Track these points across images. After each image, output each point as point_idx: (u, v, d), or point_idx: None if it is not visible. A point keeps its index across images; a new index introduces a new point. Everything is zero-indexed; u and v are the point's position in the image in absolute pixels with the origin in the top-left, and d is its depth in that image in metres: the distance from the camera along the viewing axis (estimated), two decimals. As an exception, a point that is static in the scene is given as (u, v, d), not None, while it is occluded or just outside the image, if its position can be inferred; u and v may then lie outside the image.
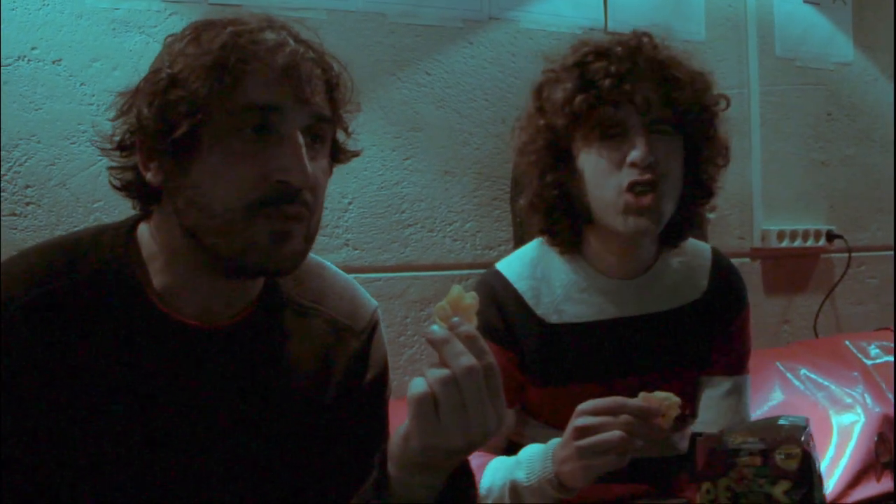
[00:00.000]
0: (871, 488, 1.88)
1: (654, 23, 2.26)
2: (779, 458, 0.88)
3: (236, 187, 0.86)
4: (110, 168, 0.95)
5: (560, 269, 1.32)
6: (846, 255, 2.62)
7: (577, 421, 1.04)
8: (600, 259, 1.30)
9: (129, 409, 0.90)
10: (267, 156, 0.86)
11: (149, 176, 0.90)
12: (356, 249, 1.93)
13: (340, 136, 1.01)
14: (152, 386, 0.91)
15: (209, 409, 0.94)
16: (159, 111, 0.86)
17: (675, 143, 1.23)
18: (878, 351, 2.22)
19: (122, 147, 0.93)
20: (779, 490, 0.87)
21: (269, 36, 0.89)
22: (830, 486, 1.85)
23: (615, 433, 1.00)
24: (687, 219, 1.30)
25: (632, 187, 1.18)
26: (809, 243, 2.57)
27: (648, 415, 1.01)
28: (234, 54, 0.86)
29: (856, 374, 2.12)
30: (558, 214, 1.28)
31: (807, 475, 0.88)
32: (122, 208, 1.71)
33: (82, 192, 1.69)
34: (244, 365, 0.97)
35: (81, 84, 1.70)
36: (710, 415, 1.37)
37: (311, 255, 1.10)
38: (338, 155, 1.02)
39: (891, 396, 2.06)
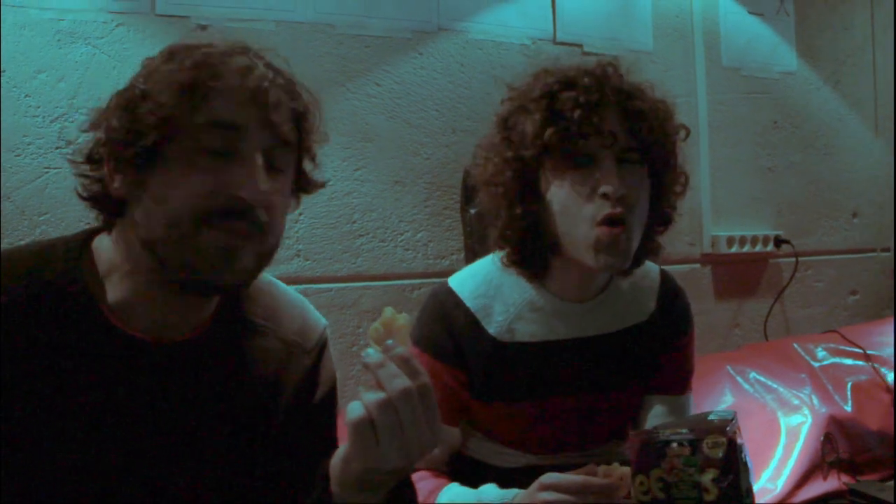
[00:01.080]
0: (818, 487, 1.91)
1: (603, 34, 2.33)
2: (706, 447, 0.92)
3: (189, 199, 0.86)
4: (79, 177, 0.96)
5: (514, 288, 1.30)
6: (793, 259, 2.67)
7: (541, 495, 1.05)
8: (558, 283, 1.29)
9: (79, 423, 0.89)
10: (223, 172, 0.87)
11: (114, 187, 0.91)
12: (307, 260, 1.92)
13: (308, 166, 1.02)
14: (102, 400, 0.90)
15: (159, 424, 0.93)
16: (128, 123, 0.88)
17: (642, 174, 1.22)
18: (824, 353, 2.26)
19: (90, 159, 0.94)
20: (707, 478, 0.91)
21: (240, 60, 0.91)
22: (779, 486, 1.88)
23: None
24: (646, 247, 1.29)
25: (604, 221, 1.16)
26: (758, 248, 2.62)
27: (612, 493, 1.02)
28: (204, 73, 0.88)
29: (803, 375, 2.16)
30: (529, 246, 1.25)
31: (733, 462, 0.91)
32: (68, 221, 1.71)
33: (28, 205, 1.67)
34: (196, 381, 0.96)
35: (26, 95, 1.68)
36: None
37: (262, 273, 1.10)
38: (304, 185, 1.03)
39: (837, 398, 2.11)
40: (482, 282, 1.31)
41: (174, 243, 0.87)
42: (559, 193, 1.21)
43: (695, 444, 0.92)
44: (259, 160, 0.89)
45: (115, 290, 0.93)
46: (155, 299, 0.93)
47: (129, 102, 0.89)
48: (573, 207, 1.19)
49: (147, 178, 0.88)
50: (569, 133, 1.18)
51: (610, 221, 1.16)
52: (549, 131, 1.18)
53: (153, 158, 0.88)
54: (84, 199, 0.95)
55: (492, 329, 1.27)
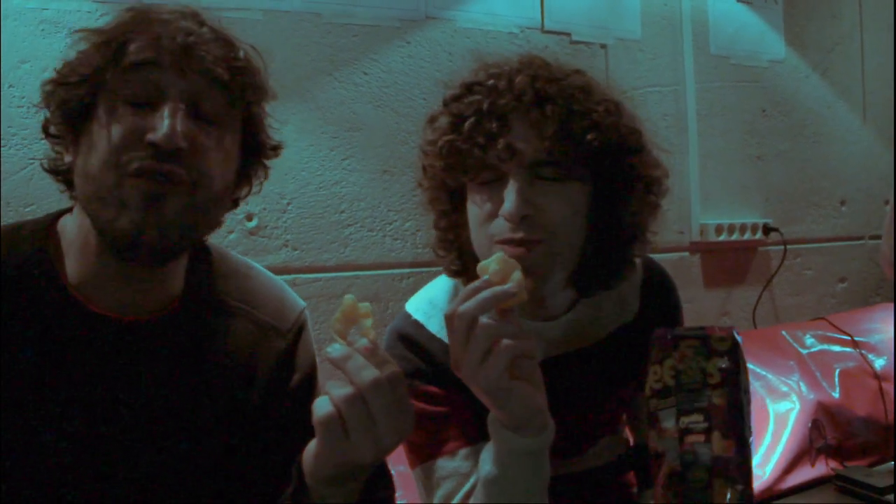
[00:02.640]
0: (806, 473, 1.93)
1: (591, 22, 2.33)
2: (713, 341, 1.03)
3: (111, 150, 0.86)
4: (48, 158, 0.98)
5: None
6: (782, 247, 2.68)
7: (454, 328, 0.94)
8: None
9: (47, 401, 0.89)
10: (143, 119, 0.88)
11: (66, 157, 0.93)
12: (296, 250, 1.91)
13: (256, 127, 1.01)
14: (70, 377, 0.90)
15: (128, 402, 0.93)
16: (62, 90, 0.90)
17: (568, 190, 1.06)
18: (813, 340, 2.28)
19: (47, 133, 0.96)
20: (712, 365, 1.02)
21: (167, 16, 0.92)
22: (767, 472, 1.89)
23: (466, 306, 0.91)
24: (605, 266, 1.15)
25: (504, 242, 1.04)
26: (747, 237, 2.62)
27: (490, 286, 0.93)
28: (127, 27, 0.90)
29: (792, 363, 2.17)
30: (466, 256, 1.15)
31: (735, 354, 1.02)
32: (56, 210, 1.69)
33: (13, 196, 1.66)
34: (164, 360, 0.96)
35: (10, 86, 1.66)
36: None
37: (239, 255, 1.10)
38: (258, 147, 1.02)
39: (825, 385, 2.12)
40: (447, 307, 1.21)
41: (98, 196, 0.87)
42: (471, 209, 1.10)
43: (705, 339, 1.03)
44: (176, 106, 0.88)
45: (76, 267, 0.93)
46: (111, 273, 0.93)
47: (61, 74, 0.91)
48: (477, 226, 1.09)
49: (81, 137, 0.90)
50: (466, 145, 1.06)
51: (510, 243, 1.04)
52: (443, 140, 1.08)
53: (85, 119, 0.89)
54: (46, 170, 0.98)
55: None
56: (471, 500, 1.08)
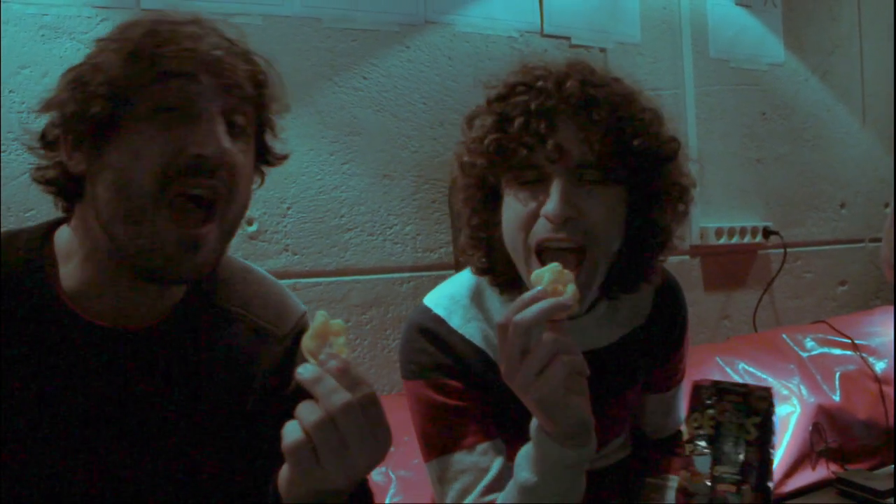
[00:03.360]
0: (807, 476, 1.93)
1: (590, 26, 2.33)
2: (754, 399, 1.12)
3: (150, 164, 0.84)
4: (36, 167, 0.95)
5: (500, 311, 1.19)
6: (782, 250, 2.68)
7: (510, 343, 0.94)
8: None
9: (40, 409, 0.88)
10: (182, 133, 0.86)
11: (72, 165, 0.90)
12: (296, 254, 1.92)
13: (269, 137, 1.01)
14: (62, 387, 0.90)
15: (123, 411, 0.92)
16: (80, 96, 0.87)
17: (610, 193, 1.08)
18: (813, 343, 2.28)
19: (45, 141, 0.93)
20: (751, 422, 1.09)
21: (192, 28, 0.90)
22: (769, 476, 1.89)
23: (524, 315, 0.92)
24: (636, 273, 1.17)
25: (541, 245, 1.06)
26: (747, 240, 2.62)
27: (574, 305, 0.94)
28: (154, 39, 0.87)
29: (792, 366, 2.17)
30: (495, 255, 1.16)
31: (770, 415, 1.11)
32: (55, 217, 1.69)
33: (13, 202, 1.66)
34: (160, 368, 0.95)
35: (10, 91, 1.66)
36: (654, 418, 1.40)
37: (238, 259, 1.10)
38: (266, 157, 1.01)
39: (825, 388, 2.12)
40: (469, 306, 1.22)
41: (133, 223, 0.85)
42: (508, 208, 1.10)
43: (746, 396, 1.12)
44: (218, 119, 0.88)
45: (73, 277, 0.92)
46: (113, 285, 0.92)
47: (79, 77, 0.88)
48: (515, 227, 1.08)
49: (104, 152, 0.87)
50: (511, 142, 1.06)
51: (551, 243, 1.05)
52: (489, 138, 1.08)
53: (109, 129, 0.86)
54: (41, 183, 0.94)
55: (495, 356, 1.17)
56: (500, 501, 1.08)
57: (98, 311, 0.92)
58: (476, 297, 1.22)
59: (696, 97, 2.57)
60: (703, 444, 1.11)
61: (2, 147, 1.64)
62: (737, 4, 2.68)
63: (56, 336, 0.90)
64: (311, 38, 1.95)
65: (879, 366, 2.22)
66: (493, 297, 1.22)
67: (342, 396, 0.76)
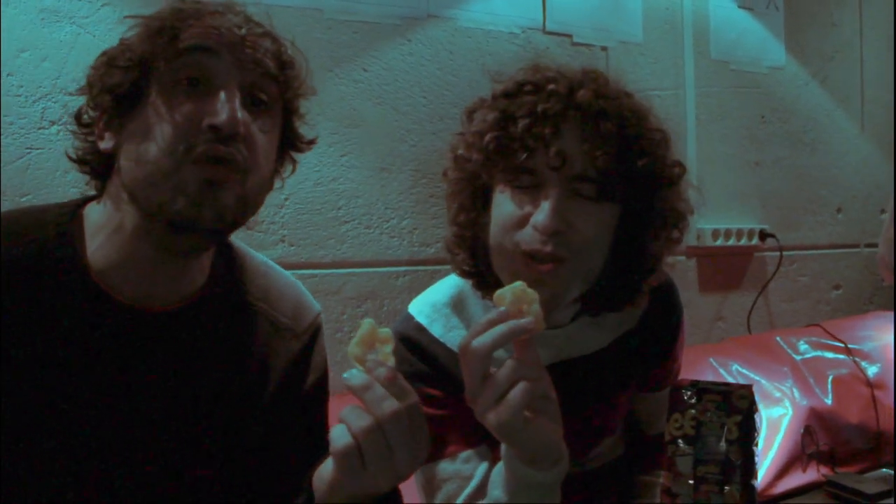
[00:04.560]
0: (798, 479, 1.94)
1: (592, 24, 2.33)
2: (735, 398, 1.12)
3: (169, 134, 0.87)
4: (75, 140, 0.98)
5: (483, 317, 1.13)
6: (778, 253, 2.69)
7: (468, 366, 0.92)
8: None
9: (65, 386, 0.89)
10: (200, 104, 0.88)
11: (103, 144, 0.93)
12: (292, 246, 1.91)
13: (295, 122, 1.03)
14: (88, 364, 0.90)
15: (143, 392, 0.93)
16: (110, 76, 0.90)
17: (603, 212, 1.05)
18: (806, 346, 2.29)
19: (80, 121, 0.96)
20: (732, 421, 1.10)
21: (218, 8, 0.93)
22: (759, 476, 1.89)
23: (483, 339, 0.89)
24: (619, 291, 1.13)
25: (529, 256, 1.03)
26: (743, 242, 2.62)
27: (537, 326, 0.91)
28: (181, 16, 0.90)
29: (785, 368, 2.18)
30: (480, 256, 1.13)
31: (752, 413, 1.11)
32: (51, 202, 1.69)
33: (10, 186, 1.65)
34: (181, 352, 0.96)
35: (8, 74, 1.65)
36: (648, 416, 1.40)
37: (257, 253, 1.10)
38: (294, 142, 1.03)
39: (818, 391, 2.13)
40: (451, 313, 1.20)
41: (154, 181, 0.87)
42: (498, 208, 1.07)
43: (726, 395, 1.12)
44: (236, 93, 0.89)
45: (100, 253, 0.93)
46: (142, 262, 0.92)
47: (109, 57, 0.91)
48: (503, 230, 1.05)
49: (128, 122, 0.90)
50: (512, 142, 1.04)
51: (537, 255, 1.02)
52: (489, 135, 1.05)
53: (133, 101, 0.89)
54: (73, 160, 0.97)
55: None
56: None
57: (125, 291, 0.93)
58: (457, 305, 1.21)
59: (697, 98, 2.57)
60: (684, 444, 1.11)
61: (1, 130, 1.63)
62: (739, 7, 2.68)
63: (85, 311, 0.91)
64: (312, 29, 1.95)
65: (872, 370, 2.23)
66: (475, 304, 1.21)
67: (391, 404, 0.79)
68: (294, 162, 1.06)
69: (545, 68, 1.10)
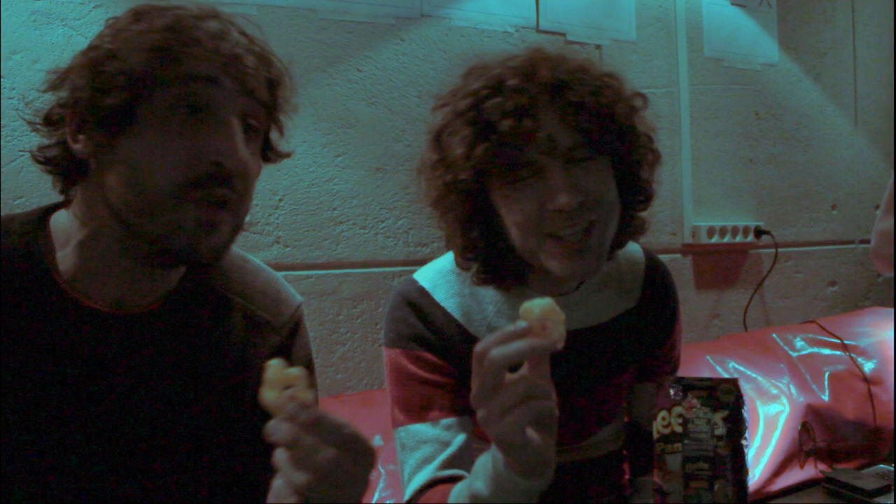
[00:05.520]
0: (795, 475, 1.94)
1: (586, 22, 2.33)
2: (720, 393, 1.11)
3: (169, 165, 0.85)
4: (38, 147, 0.95)
5: (492, 295, 1.22)
6: (773, 250, 2.69)
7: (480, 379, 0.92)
8: (536, 278, 1.21)
9: (35, 393, 0.88)
10: (202, 136, 0.86)
11: (77, 147, 0.89)
12: (287, 247, 1.91)
13: (275, 136, 1.01)
14: (58, 372, 0.89)
15: (119, 395, 0.92)
16: (95, 82, 0.86)
17: (600, 165, 1.10)
18: (803, 343, 2.29)
19: (49, 121, 0.93)
20: (718, 416, 1.09)
21: (214, 24, 0.90)
22: (756, 474, 1.90)
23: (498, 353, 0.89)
24: (627, 228, 1.19)
25: (560, 238, 1.07)
26: (738, 239, 2.63)
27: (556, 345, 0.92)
28: (177, 35, 0.87)
29: (782, 365, 2.18)
30: (495, 260, 1.17)
31: (739, 408, 1.11)
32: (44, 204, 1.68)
33: (3, 189, 1.64)
34: (156, 352, 0.95)
35: (2, 77, 1.65)
36: (648, 409, 1.39)
37: (236, 248, 1.09)
38: (268, 153, 1.01)
39: (814, 388, 2.13)
40: (455, 281, 1.23)
41: (152, 212, 0.86)
42: (511, 210, 1.10)
43: (712, 390, 1.12)
44: (237, 125, 0.88)
45: (71, 260, 0.92)
46: (117, 270, 0.92)
47: (94, 62, 0.87)
48: (527, 224, 1.09)
49: (117, 141, 0.87)
50: (501, 146, 1.06)
51: (570, 237, 1.07)
52: (479, 149, 1.07)
53: (124, 119, 0.86)
54: (40, 162, 0.94)
55: (472, 329, 1.20)
56: (451, 501, 1.08)
57: (95, 296, 0.92)
58: (463, 273, 1.23)
59: (691, 96, 2.57)
60: (672, 442, 1.11)
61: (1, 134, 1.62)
62: (732, 4, 2.68)
63: (53, 319, 0.90)
64: (305, 29, 1.94)
65: (868, 366, 2.23)
66: None
67: (326, 454, 0.74)
68: (259, 168, 1.03)
69: (486, 67, 1.12)
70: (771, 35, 2.78)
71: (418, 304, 1.21)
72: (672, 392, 1.13)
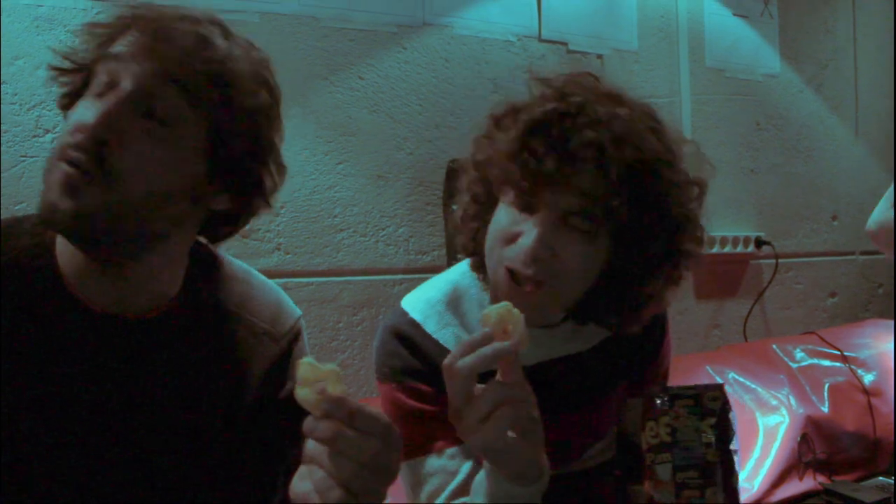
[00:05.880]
0: (794, 487, 1.94)
1: (588, 32, 2.33)
2: (707, 400, 1.11)
3: (63, 132, 0.88)
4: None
5: (477, 313, 1.16)
6: (774, 261, 2.69)
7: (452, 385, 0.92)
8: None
9: (41, 394, 0.89)
10: (88, 105, 0.88)
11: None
12: (288, 254, 1.91)
13: (235, 147, 0.96)
14: (63, 372, 0.90)
15: (119, 399, 0.93)
16: (59, 77, 0.93)
17: (592, 245, 1.03)
18: (803, 354, 2.29)
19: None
20: (706, 424, 1.10)
21: (165, 11, 0.92)
22: (756, 485, 1.90)
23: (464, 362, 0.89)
24: (604, 311, 1.13)
25: (511, 273, 1.04)
26: (739, 249, 2.63)
27: (491, 341, 0.91)
28: (122, 21, 0.91)
29: (782, 376, 2.18)
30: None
31: (726, 414, 1.11)
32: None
33: (4, 194, 1.64)
34: (156, 359, 0.96)
35: (3, 82, 1.65)
36: (636, 423, 1.38)
37: (238, 261, 1.10)
38: (226, 167, 0.96)
39: (814, 399, 2.13)
40: (445, 310, 1.21)
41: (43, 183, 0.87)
42: (495, 218, 1.09)
43: (698, 398, 1.11)
44: (122, 94, 0.87)
45: (70, 262, 0.93)
46: (84, 265, 0.92)
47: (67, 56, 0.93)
48: (493, 240, 1.08)
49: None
50: (523, 170, 1.02)
51: (517, 277, 1.04)
52: (512, 168, 1.03)
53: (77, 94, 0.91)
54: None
55: None
56: None
57: (96, 299, 0.93)
58: (453, 303, 1.22)
59: (692, 106, 2.57)
60: (661, 451, 1.11)
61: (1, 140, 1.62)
62: (734, 15, 2.69)
63: (60, 320, 0.91)
64: (307, 36, 1.94)
65: (868, 378, 2.23)
66: (471, 301, 1.22)
67: (370, 445, 0.74)
68: (220, 182, 0.98)
69: (573, 93, 1.05)
70: (772, 46, 2.78)
71: (410, 337, 1.18)
72: (659, 402, 1.12)
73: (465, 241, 1.19)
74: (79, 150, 0.84)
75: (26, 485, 0.88)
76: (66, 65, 0.91)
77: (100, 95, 0.88)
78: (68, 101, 0.91)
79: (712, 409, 1.10)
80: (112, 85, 0.87)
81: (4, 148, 1.64)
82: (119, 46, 0.88)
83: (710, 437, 1.09)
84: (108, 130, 0.85)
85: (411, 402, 1.17)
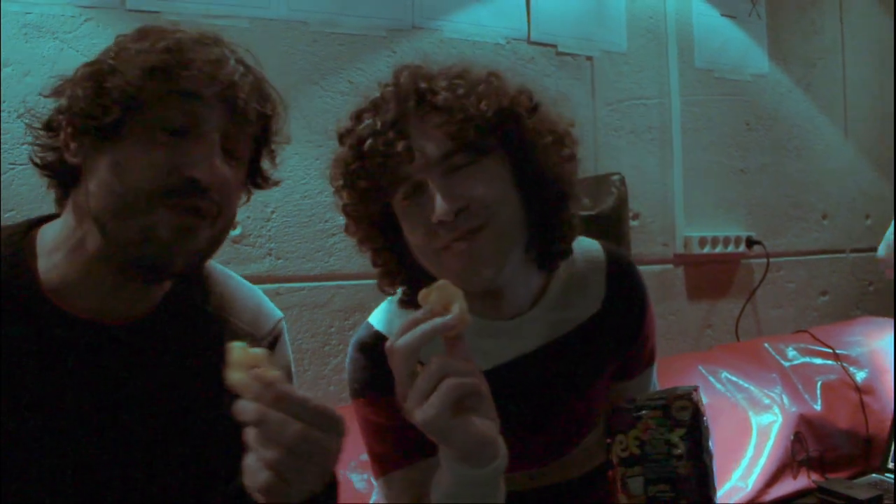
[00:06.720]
0: (788, 485, 1.94)
1: (577, 34, 2.34)
2: (675, 410, 1.08)
3: (147, 174, 0.87)
4: (33, 145, 0.97)
5: None
6: (765, 260, 2.70)
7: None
8: (480, 303, 1.13)
9: (23, 403, 0.89)
10: (181, 151, 0.88)
11: (68, 155, 0.92)
12: (280, 259, 1.90)
13: (266, 164, 1.03)
14: (45, 381, 0.90)
15: (102, 405, 0.93)
16: (93, 95, 0.89)
17: (487, 167, 1.05)
18: (795, 353, 2.29)
19: (48, 127, 0.95)
20: (676, 436, 1.06)
21: (214, 50, 0.93)
22: (749, 484, 1.90)
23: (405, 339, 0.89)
24: (555, 232, 1.13)
25: (450, 248, 1.03)
26: (730, 249, 2.63)
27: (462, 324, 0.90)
28: (175, 57, 0.89)
29: (774, 375, 2.18)
30: (414, 283, 1.11)
31: (697, 423, 1.07)
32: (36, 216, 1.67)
33: (-7, 203, 1.64)
34: (139, 363, 0.96)
35: (-9, 91, 1.64)
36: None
37: (218, 265, 1.10)
38: (257, 179, 1.04)
39: (807, 397, 2.13)
40: (408, 314, 1.14)
41: (125, 218, 0.87)
42: (407, 231, 1.07)
43: (666, 409, 1.08)
44: (216, 140, 0.90)
45: (57, 271, 0.93)
46: (99, 280, 0.93)
47: (96, 74, 0.90)
48: (420, 244, 1.06)
49: (106, 150, 0.89)
50: (370, 165, 1.03)
51: (457, 245, 1.02)
52: (352, 168, 1.05)
53: (115, 131, 0.88)
54: (38, 166, 0.96)
55: None
56: None
57: (80, 306, 0.93)
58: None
59: (682, 107, 2.58)
60: (632, 465, 1.09)
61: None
62: (722, 15, 2.70)
63: (39, 329, 0.91)
64: (297, 41, 1.94)
65: (860, 376, 2.23)
66: None
67: (293, 428, 0.75)
68: (249, 193, 1.06)
69: (370, 90, 1.12)
70: (761, 46, 2.79)
71: (373, 347, 1.15)
72: (626, 415, 1.10)
73: (406, 291, 1.16)
74: (199, 196, 0.88)
75: (14, 490, 0.88)
76: (115, 94, 0.88)
77: (176, 132, 0.89)
78: (108, 128, 0.88)
79: (681, 419, 1.07)
80: (195, 126, 0.89)
81: (-7, 157, 1.63)
82: (188, 85, 0.89)
83: (681, 449, 1.06)
84: (219, 178, 0.90)
85: (380, 417, 1.15)
